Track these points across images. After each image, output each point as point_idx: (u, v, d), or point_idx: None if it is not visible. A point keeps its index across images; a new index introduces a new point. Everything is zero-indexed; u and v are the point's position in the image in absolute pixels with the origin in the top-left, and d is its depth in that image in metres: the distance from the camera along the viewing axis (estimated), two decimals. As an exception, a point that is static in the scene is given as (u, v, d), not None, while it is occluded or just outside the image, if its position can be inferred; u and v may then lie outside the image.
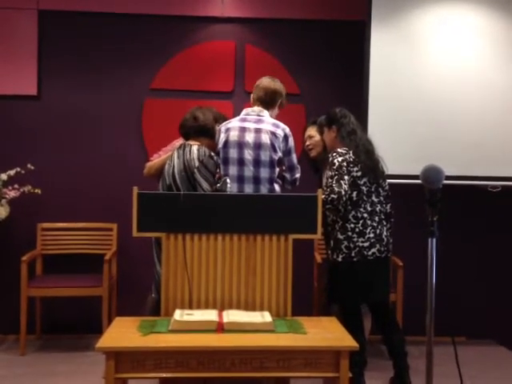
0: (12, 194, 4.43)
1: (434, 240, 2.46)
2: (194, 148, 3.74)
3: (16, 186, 4.47)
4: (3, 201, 4.40)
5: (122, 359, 2.68)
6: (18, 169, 4.47)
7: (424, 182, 2.48)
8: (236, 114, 4.45)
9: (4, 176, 4.42)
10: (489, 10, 4.54)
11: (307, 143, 4.08)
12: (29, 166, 4.49)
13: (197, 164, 3.69)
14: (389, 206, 3.63)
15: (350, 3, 4.80)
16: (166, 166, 3.82)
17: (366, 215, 3.50)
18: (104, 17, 4.79)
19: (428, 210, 2.47)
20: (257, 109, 3.69)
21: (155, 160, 4.01)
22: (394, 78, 4.50)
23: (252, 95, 3.77)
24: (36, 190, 4.50)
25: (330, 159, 3.52)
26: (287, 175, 3.74)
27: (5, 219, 4.42)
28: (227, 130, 3.67)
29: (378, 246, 3.50)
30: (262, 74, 4.77)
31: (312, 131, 4.06)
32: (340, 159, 3.48)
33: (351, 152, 3.53)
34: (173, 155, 3.82)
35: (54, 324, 4.67)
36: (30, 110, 4.77)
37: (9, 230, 4.59)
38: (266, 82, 3.77)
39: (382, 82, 4.48)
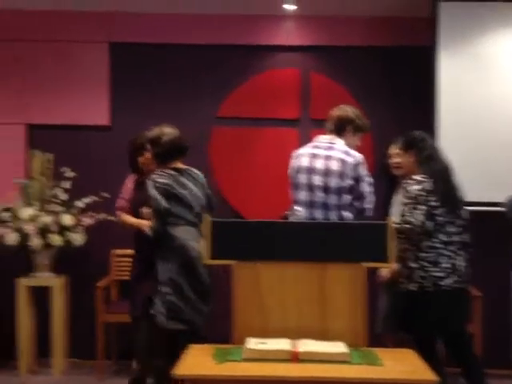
0: (88, 221, 4.58)
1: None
2: (197, 171, 3.82)
3: (91, 213, 4.62)
4: (79, 228, 4.56)
5: (199, 387, 2.72)
6: (94, 197, 4.62)
7: (509, 212, 2.43)
8: (301, 141, 4.51)
9: (80, 204, 4.58)
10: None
11: (393, 161, 4.04)
12: (103, 194, 4.63)
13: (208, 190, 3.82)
14: (466, 235, 3.56)
15: (415, 29, 4.79)
16: (183, 191, 3.66)
17: (440, 245, 3.45)
18: (171, 48, 4.94)
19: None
20: (329, 136, 3.72)
21: (132, 221, 3.98)
22: (463, 103, 4.47)
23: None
24: (111, 218, 4.63)
25: (406, 186, 3.49)
26: (356, 204, 3.73)
27: (81, 246, 4.57)
28: (298, 155, 3.71)
29: (454, 276, 3.44)
30: (328, 101, 4.84)
31: (397, 150, 4.03)
32: (417, 188, 3.45)
33: (429, 180, 3.48)
34: (180, 181, 3.67)
35: (128, 349, 4.75)
36: (103, 140, 4.93)
37: (84, 257, 4.75)
38: (333, 110, 3.80)
39: (452, 108, 4.45)
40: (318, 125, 4.74)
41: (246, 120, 4.91)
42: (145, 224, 3.75)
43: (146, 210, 3.72)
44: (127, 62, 4.95)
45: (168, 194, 3.59)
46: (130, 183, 4.11)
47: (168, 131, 3.75)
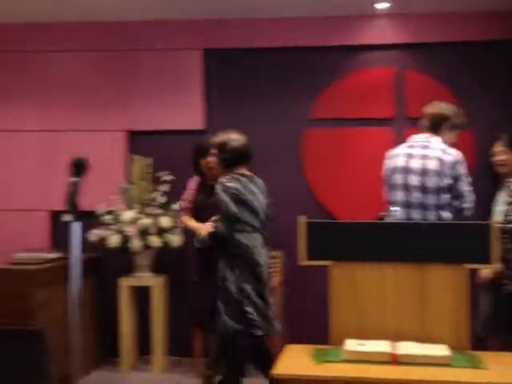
0: (184, 223, 4.70)
1: None
2: (258, 179, 3.78)
3: (188, 215, 4.73)
4: (176, 230, 4.68)
5: (297, 387, 2.73)
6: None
7: None
8: (397, 140, 4.43)
9: (177, 206, 4.70)
10: None
11: (497, 158, 3.93)
12: (199, 196, 4.74)
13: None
14: None
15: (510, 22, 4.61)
16: (251, 198, 3.65)
17: None
18: (263, 52, 4.99)
19: None
20: (424, 135, 3.64)
21: (190, 223, 4.06)
22: None
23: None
24: (206, 220, 4.73)
25: (510, 185, 3.36)
26: (455, 203, 3.62)
27: (178, 247, 4.69)
28: (393, 156, 3.65)
29: None
30: (424, 98, 4.71)
31: (502, 147, 3.93)
32: None
33: None
34: (249, 187, 3.67)
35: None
36: (198, 144, 5.04)
37: (182, 257, 4.86)
38: (428, 107, 3.71)
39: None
40: (414, 123, 4.64)
41: (339, 120, 4.89)
42: (202, 228, 3.79)
43: (214, 218, 3.71)
44: (220, 67, 5.05)
45: (237, 199, 3.59)
46: (192, 185, 4.18)
47: (235, 137, 3.77)
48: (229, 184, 3.60)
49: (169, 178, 4.80)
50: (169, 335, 4.85)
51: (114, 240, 4.57)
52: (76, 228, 2.06)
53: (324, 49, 4.92)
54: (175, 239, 4.66)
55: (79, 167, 2.18)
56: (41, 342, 1.93)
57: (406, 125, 4.70)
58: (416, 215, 3.53)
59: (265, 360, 3.78)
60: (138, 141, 5.09)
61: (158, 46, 5.05)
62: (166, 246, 4.64)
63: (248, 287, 3.57)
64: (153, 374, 4.54)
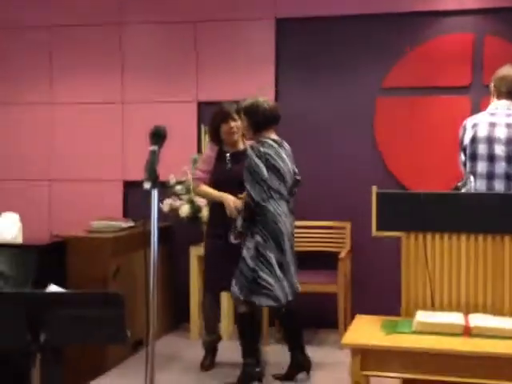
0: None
1: None
2: (286, 144, 3.72)
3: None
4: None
5: (367, 357, 2.72)
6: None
7: None
8: (473, 109, 4.29)
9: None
10: None
11: None
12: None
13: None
14: None
15: None
16: (281, 164, 3.63)
17: None
18: (335, 20, 4.90)
19: None
20: (505, 102, 3.48)
21: (210, 191, 3.96)
22: None
23: (492, 87, 3.56)
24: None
25: None
26: None
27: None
28: (474, 125, 3.51)
29: None
30: (503, 65, 4.55)
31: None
32: None
33: None
34: (279, 153, 3.64)
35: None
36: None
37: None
38: (506, 71, 3.54)
39: None
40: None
41: (413, 89, 4.76)
42: (229, 198, 3.76)
43: (241, 196, 3.69)
44: (292, 36, 5.00)
45: (268, 164, 3.55)
46: (210, 153, 4.06)
47: (263, 100, 3.74)
48: (262, 149, 3.57)
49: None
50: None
51: (185, 210, 4.65)
52: (155, 195, 2.11)
53: (399, 15, 4.78)
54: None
55: (158, 136, 2.22)
56: (118, 305, 1.99)
57: (482, 93, 4.51)
58: (499, 186, 3.40)
59: (288, 328, 3.81)
60: (209, 111, 5.10)
61: (231, 17, 5.04)
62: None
63: (269, 255, 3.56)
64: (221, 342, 4.61)
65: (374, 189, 3.19)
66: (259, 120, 3.66)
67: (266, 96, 4.92)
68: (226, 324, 4.66)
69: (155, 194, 2.16)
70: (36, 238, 3.79)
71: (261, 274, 3.56)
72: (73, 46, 5.28)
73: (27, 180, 5.35)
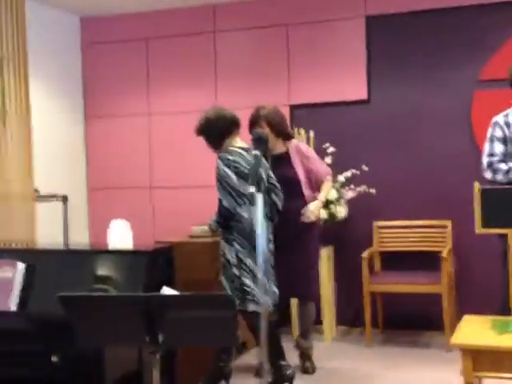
0: (349, 194, 4.70)
1: None
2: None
3: (352, 186, 4.73)
4: (342, 201, 4.70)
5: (480, 357, 2.65)
6: (354, 170, 4.72)
7: None
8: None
9: (342, 178, 4.71)
10: None
11: None
12: (363, 167, 4.72)
13: None
14: None
15: None
16: (249, 170, 3.46)
17: None
18: (426, 15, 4.80)
19: None
20: None
21: None
22: None
23: None
24: (371, 190, 4.70)
25: None
26: None
27: (344, 218, 4.71)
28: None
29: None
30: None
31: None
32: None
33: None
34: (249, 160, 3.53)
35: (394, 319, 4.80)
36: (361, 114, 5.00)
37: (347, 229, 4.89)
38: None
39: None
40: None
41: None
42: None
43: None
44: (382, 33, 4.93)
45: (237, 171, 3.49)
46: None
47: (217, 109, 3.69)
48: (230, 157, 3.53)
49: (332, 149, 4.79)
50: (337, 305, 4.90)
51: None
52: (259, 198, 2.16)
53: (493, 6, 4.62)
54: (341, 210, 4.67)
55: (259, 141, 2.26)
56: (231, 307, 2.04)
57: None
58: None
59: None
60: (300, 114, 5.14)
61: (320, 18, 5.04)
62: (331, 218, 4.66)
63: (248, 261, 3.49)
64: (324, 343, 4.61)
65: (477, 185, 3.11)
66: (220, 129, 3.61)
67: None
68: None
69: (259, 197, 2.21)
70: (141, 243, 3.93)
71: (244, 280, 3.50)
72: (168, 56, 5.45)
73: (129, 188, 5.56)
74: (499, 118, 3.81)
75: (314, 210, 3.89)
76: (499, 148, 3.75)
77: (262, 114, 3.89)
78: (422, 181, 4.81)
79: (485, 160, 3.77)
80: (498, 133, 3.78)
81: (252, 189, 2.14)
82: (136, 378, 3.00)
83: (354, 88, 5.00)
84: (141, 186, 5.54)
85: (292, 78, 5.15)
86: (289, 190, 3.74)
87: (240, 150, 3.59)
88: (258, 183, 2.17)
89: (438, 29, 4.79)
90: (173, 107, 5.45)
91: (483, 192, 3.10)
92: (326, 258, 4.74)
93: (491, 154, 3.76)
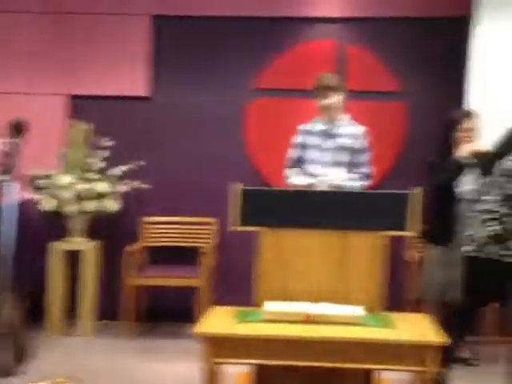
0: (123, 188, 4.70)
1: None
2: None
3: (127, 181, 4.73)
4: (115, 195, 4.68)
5: (218, 344, 2.79)
6: (130, 165, 4.72)
7: None
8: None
9: (118, 171, 4.69)
10: None
11: (468, 134, 4.00)
12: (139, 162, 4.72)
13: None
14: None
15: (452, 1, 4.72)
16: None
17: None
18: (211, 20, 4.96)
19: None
20: None
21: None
22: (497, 76, 4.40)
23: None
24: (144, 186, 4.74)
25: None
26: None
27: (114, 212, 4.70)
28: None
29: None
30: (363, 72, 4.84)
31: (472, 124, 4.01)
32: None
33: None
34: None
35: (157, 312, 4.88)
36: (142, 111, 5.03)
37: (117, 223, 4.88)
38: None
39: (486, 78, 4.38)
40: (354, 97, 4.74)
41: (282, 91, 4.92)
42: None
43: None
44: (168, 34, 5.01)
45: None
46: None
47: None
48: None
49: (109, 143, 4.76)
50: (100, 299, 4.79)
51: (48, 204, 4.54)
52: (12, 188, 2.07)
53: (269, 20, 4.93)
54: (111, 205, 4.66)
55: (18, 128, 2.18)
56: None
57: (347, 97, 4.79)
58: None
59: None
60: (81, 105, 5.02)
61: (105, 11, 4.99)
62: (101, 211, 4.63)
63: None
64: (82, 338, 4.55)
65: (237, 185, 3.30)
66: None
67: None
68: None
69: (12, 187, 2.12)
70: None
71: None
72: None
73: None
74: (301, 126, 4.09)
75: None
76: (295, 153, 4.05)
77: None
78: (192, 179, 4.96)
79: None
80: (298, 139, 4.05)
81: (3, 177, 2.03)
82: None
83: (137, 84, 5.01)
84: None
85: (76, 69, 5.02)
86: None
87: None
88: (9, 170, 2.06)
89: (221, 35, 4.98)
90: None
91: (241, 192, 3.29)
92: (91, 251, 4.67)
93: (288, 159, 4.05)
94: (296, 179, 3.89)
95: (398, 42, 4.84)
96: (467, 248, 3.45)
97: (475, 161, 3.85)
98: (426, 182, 4.05)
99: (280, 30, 4.94)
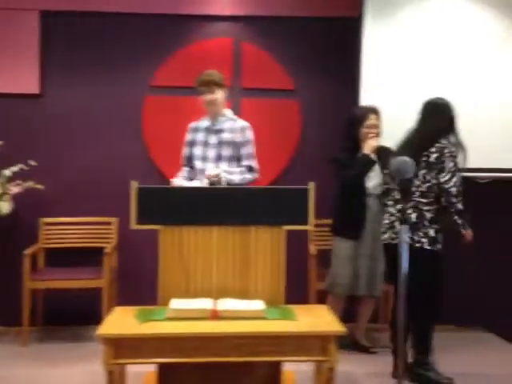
0: (15, 189, 4.53)
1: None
2: None
3: (19, 181, 4.57)
4: (6, 196, 4.50)
5: (121, 345, 2.79)
6: (22, 165, 4.57)
7: (396, 173, 2.76)
8: (234, 110, 4.56)
9: (8, 172, 4.52)
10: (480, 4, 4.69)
11: (373, 131, 4.14)
12: (32, 162, 4.58)
13: None
14: None
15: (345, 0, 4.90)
16: None
17: None
18: (104, 16, 4.88)
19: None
20: None
21: None
22: (387, 74, 4.64)
23: None
24: (38, 186, 4.60)
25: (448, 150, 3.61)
26: None
27: (8, 214, 4.52)
28: None
29: None
30: (259, 70, 4.94)
31: (377, 120, 4.16)
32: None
33: None
34: None
35: (55, 316, 4.77)
36: (33, 108, 4.87)
37: (12, 225, 4.71)
38: None
39: (375, 78, 4.62)
40: (249, 94, 4.83)
41: (180, 89, 4.92)
42: None
43: None
44: (59, 30, 4.88)
45: None
46: None
47: None
48: None
49: (-1, 142, 4.58)
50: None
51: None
52: None
53: (166, 17, 4.90)
54: (3, 206, 4.48)
55: None
56: None
57: (241, 95, 4.87)
58: None
59: None
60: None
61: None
62: (-7, 213, 4.45)
63: None
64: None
65: (133, 184, 3.28)
66: None
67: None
68: None
69: None
70: None
71: None
72: None
73: None
74: (191, 124, 4.18)
75: None
76: (187, 151, 4.15)
77: None
78: (90, 178, 4.87)
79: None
80: (188, 137, 4.15)
81: None
82: None
83: (26, 81, 4.84)
84: None
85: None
86: None
87: None
88: None
89: (117, 32, 4.90)
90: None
91: (138, 190, 3.28)
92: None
93: (182, 157, 4.13)
94: (177, 182, 3.92)
95: (292, 40, 4.96)
96: (384, 236, 3.72)
97: (377, 156, 4.08)
98: (335, 178, 4.23)
99: (177, 28, 4.93)
